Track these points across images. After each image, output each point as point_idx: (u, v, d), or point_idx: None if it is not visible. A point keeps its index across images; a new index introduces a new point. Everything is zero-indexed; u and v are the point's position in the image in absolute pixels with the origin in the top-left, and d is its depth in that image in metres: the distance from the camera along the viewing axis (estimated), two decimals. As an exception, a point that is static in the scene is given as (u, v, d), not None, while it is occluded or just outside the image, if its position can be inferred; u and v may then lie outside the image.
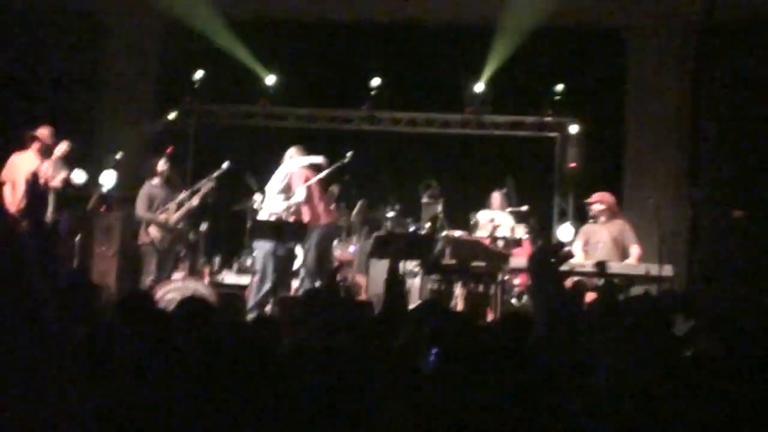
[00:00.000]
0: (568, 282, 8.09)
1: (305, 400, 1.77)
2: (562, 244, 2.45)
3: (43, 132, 8.51)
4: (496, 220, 10.20)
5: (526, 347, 1.92)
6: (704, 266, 9.92)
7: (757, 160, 10.29)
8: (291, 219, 8.91)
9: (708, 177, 10.80)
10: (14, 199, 8.28)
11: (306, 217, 8.99)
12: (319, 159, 9.10)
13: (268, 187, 9.15)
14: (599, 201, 8.65)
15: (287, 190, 9.06)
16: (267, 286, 8.42)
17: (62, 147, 8.44)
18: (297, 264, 10.33)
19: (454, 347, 2.46)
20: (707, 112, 10.77)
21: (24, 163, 8.43)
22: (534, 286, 1.93)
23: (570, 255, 2.38)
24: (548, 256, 1.90)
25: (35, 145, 8.48)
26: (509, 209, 10.28)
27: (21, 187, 8.26)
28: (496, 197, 10.41)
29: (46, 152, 8.50)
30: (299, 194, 8.91)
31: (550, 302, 1.89)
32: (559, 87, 11.67)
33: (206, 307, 4.13)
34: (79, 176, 8.40)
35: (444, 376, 2.42)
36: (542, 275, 1.88)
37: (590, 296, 8.23)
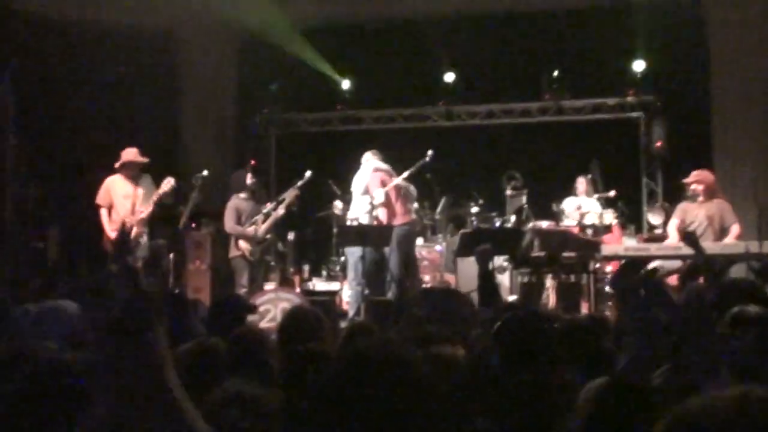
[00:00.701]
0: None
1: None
2: (646, 261, 2.27)
3: (130, 154, 8.74)
4: (583, 207, 9.99)
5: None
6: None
7: None
8: (373, 223, 8.94)
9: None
10: (112, 223, 8.54)
11: (384, 219, 9.01)
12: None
13: (353, 192, 9.22)
14: (697, 180, 8.39)
15: (366, 194, 9.12)
16: (359, 290, 8.49)
17: (169, 183, 8.62)
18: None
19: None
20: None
21: (117, 186, 8.67)
22: (620, 302, 1.79)
23: (655, 271, 2.19)
24: (632, 274, 1.75)
25: (125, 169, 8.71)
26: (596, 195, 10.06)
27: (119, 210, 8.53)
28: (582, 183, 10.20)
29: (135, 173, 8.73)
30: (377, 197, 8.93)
31: (640, 321, 1.75)
32: (640, 65, 11.36)
33: (316, 317, 4.20)
34: (167, 183, 8.55)
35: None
36: (628, 294, 1.74)
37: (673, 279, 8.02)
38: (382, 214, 9.01)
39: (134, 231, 8.45)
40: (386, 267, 8.79)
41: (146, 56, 11.20)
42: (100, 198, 8.68)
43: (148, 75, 11.19)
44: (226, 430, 2.43)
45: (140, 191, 8.62)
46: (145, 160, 8.76)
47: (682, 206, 8.54)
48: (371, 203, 8.93)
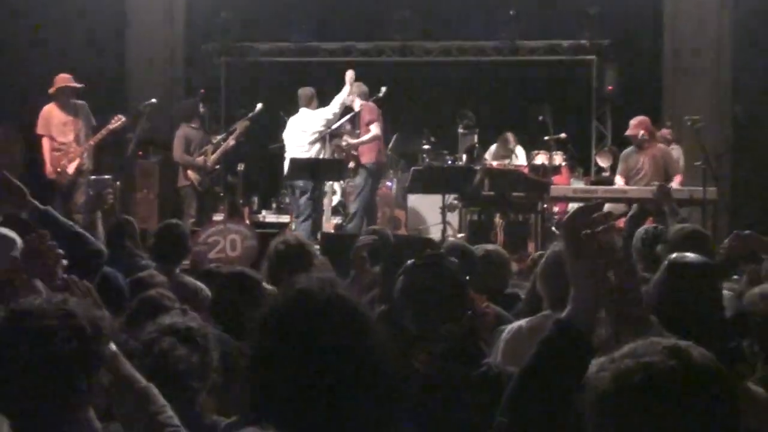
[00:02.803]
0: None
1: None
2: (599, 206, 2.22)
3: (64, 79, 8.45)
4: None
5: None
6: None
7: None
8: (342, 155, 8.87)
9: (750, 93, 10.53)
10: (53, 151, 8.34)
11: (368, 154, 8.89)
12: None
13: (316, 114, 8.94)
14: (637, 126, 8.44)
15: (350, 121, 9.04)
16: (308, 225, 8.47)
17: (119, 121, 8.41)
18: (335, 201, 10.37)
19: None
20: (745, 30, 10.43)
21: (54, 114, 8.40)
22: (569, 257, 1.76)
23: (610, 217, 2.15)
24: (583, 222, 1.72)
25: (60, 96, 8.43)
26: (547, 137, 10.10)
27: (58, 138, 8.31)
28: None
29: (70, 100, 8.45)
30: (374, 130, 8.83)
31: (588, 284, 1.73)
32: (595, 8, 11.35)
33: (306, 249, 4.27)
34: (117, 120, 8.37)
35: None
36: (578, 246, 1.72)
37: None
38: (369, 148, 8.90)
39: (78, 162, 8.28)
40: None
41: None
42: (40, 127, 8.43)
43: (94, 8, 10.82)
44: (160, 358, 2.45)
45: (81, 120, 8.41)
46: (79, 85, 8.50)
47: (625, 155, 8.61)
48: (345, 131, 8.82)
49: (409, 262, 2.51)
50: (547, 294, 3.66)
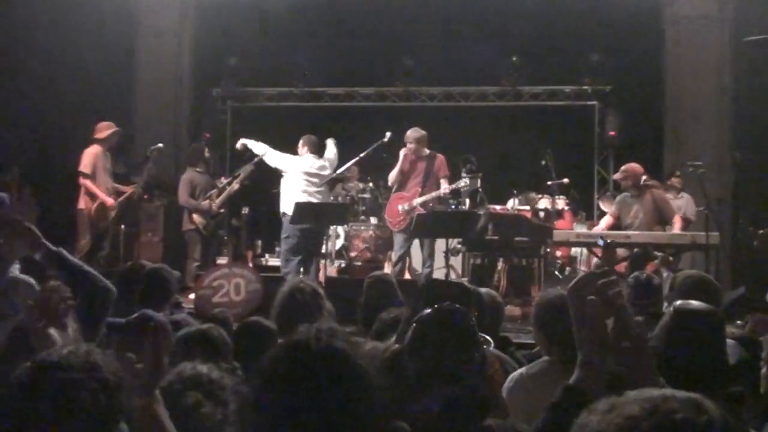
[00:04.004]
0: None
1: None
2: (606, 272, 2.23)
3: (112, 127, 8.82)
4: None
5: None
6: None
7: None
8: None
9: (750, 140, 10.61)
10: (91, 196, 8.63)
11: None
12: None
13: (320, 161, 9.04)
14: (624, 176, 8.52)
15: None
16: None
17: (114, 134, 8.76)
18: (338, 245, 10.40)
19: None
20: (747, 76, 10.55)
21: (100, 159, 8.69)
22: (576, 322, 1.79)
23: (616, 284, 2.08)
24: (589, 288, 1.75)
25: (106, 142, 8.75)
26: (549, 182, 10.15)
27: (101, 183, 8.65)
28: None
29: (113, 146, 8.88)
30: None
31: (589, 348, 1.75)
32: (597, 55, 11.50)
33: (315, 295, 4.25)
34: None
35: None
36: (584, 312, 1.75)
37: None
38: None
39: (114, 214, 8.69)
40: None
41: (101, 28, 10.97)
42: (87, 166, 8.60)
43: (104, 49, 10.98)
44: (187, 416, 2.43)
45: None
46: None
47: (620, 198, 8.69)
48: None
49: (425, 311, 2.41)
50: (541, 340, 3.68)
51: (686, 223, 8.98)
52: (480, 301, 4.00)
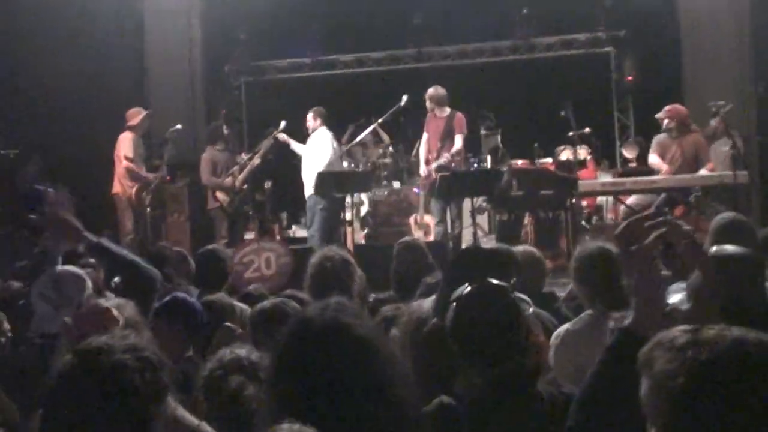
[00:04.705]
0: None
1: None
2: (652, 215, 2.20)
3: (143, 112, 9.06)
4: None
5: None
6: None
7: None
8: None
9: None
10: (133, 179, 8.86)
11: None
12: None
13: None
14: (669, 115, 8.36)
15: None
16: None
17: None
18: (363, 212, 10.43)
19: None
20: (765, 12, 10.33)
21: (135, 145, 8.95)
22: (627, 269, 1.80)
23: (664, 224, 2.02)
24: (635, 232, 1.75)
25: (139, 129, 8.98)
26: (571, 132, 10.06)
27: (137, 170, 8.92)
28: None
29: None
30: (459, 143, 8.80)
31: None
32: (609, 1, 11.32)
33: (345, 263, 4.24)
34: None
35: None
36: (632, 258, 1.76)
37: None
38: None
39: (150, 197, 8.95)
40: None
41: (110, 16, 10.95)
42: (129, 150, 8.79)
43: (113, 33, 10.96)
44: (232, 399, 2.47)
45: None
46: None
47: (659, 139, 8.53)
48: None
49: (465, 288, 2.34)
50: (584, 293, 3.67)
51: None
52: (516, 263, 4.00)
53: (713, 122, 9.13)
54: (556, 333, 3.19)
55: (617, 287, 3.56)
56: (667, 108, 8.44)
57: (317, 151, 8.99)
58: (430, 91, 8.76)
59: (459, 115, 8.78)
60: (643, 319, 1.74)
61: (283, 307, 3.25)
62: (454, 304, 2.34)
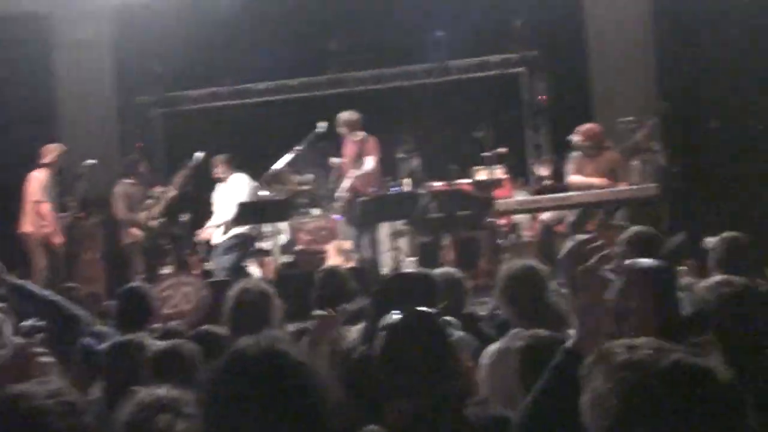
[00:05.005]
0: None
1: None
2: (593, 238, 2.25)
3: (58, 148, 8.86)
4: None
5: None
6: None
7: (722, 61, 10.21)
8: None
9: (676, 90, 10.79)
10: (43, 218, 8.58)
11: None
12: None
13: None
14: (584, 136, 8.48)
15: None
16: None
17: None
18: (282, 240, 10.33)
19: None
20: (668, 28, 10.72)
21: (48, 184, 8.72)
22: (571, 290, 1.83)
23: (602, 249, 2.07)
24: (581, 255, 1.78)
25: (52, 167, 8.75)
26: (488, 153, 10.17)
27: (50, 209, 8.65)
28: None
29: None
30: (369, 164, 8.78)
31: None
32: (520, 22, 11.58)
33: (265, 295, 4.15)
34: None
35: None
36: (577, 280, 1.78)
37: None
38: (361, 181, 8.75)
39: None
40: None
41: (17, 41, 10.65)
42: (37, 192, 8.52)
43: (22, 65, 10.66)
44: None
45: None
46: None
47: (576, 157, 8.63)
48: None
49: (393, 316, 2.32)
50: (511, 312, 3.70)
51: None
52: (441, 289, 4.00)
53: (638, 136, 9.39)
54: (486, 352, 3.19)
55: (544, 305, 3.60)
56: (581, 129, 8.59)
57: (238, 197, 8.89)
58: (342, 115, 8.78)
59: (372, 138, 8.80)
60: (587, 340, 1.75)
61: (179, 350, 3.18)
62: (383, 332, 2.32)
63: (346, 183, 8.59)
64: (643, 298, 2.69)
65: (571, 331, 3.55)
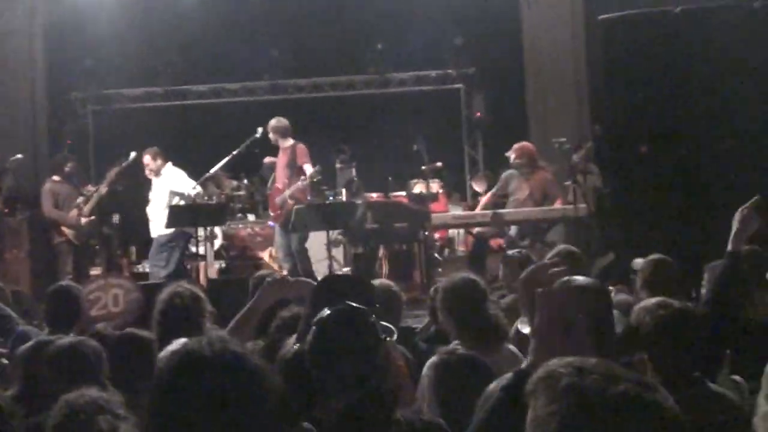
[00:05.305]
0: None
1: None
2: (554, 264, 2.29)
3: None
4: None
5: None
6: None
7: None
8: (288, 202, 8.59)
9: (610, 110, 11.01)
10: None
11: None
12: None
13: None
14: (518, 153, 8.61)
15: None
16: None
17: None
18: (217, 245, 10.21)
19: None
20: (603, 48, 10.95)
21: None
22: (529, 312, 1.85)
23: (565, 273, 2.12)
24: (538, 278, 1.82)
25: None
26: (423, 167, 10.27)
27: None
28: None
29: None
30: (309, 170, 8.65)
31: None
32: (460, 39, 11.73)
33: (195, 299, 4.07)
34: None
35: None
36: (534, 302, 1.81)
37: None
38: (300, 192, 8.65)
39: None
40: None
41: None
42: None
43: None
44: None
45: None
46: None
47: (507, 175, 8.78)
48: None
49: (325, 312, 2.31)
50: (452, 324, 3.72)
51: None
52: (376, 293, 3.99)
53: (575, 157, 9.54)
54: (430, 363, 3.19)
55: (484, 317, 3.64)
56: (516, 146, 8.72)
57: (175, 187, 8.70)
58: (272, 122, 8.74)
59: (300, 145, 8.76)
60: (541, 362, 1.76)
61: (80, 348, 3.11)
62: (314, 327, 2.30)
63: (287, 193, 8.54)
64: (579, 315, 2.74)
65: (511, 347, 3.65)
